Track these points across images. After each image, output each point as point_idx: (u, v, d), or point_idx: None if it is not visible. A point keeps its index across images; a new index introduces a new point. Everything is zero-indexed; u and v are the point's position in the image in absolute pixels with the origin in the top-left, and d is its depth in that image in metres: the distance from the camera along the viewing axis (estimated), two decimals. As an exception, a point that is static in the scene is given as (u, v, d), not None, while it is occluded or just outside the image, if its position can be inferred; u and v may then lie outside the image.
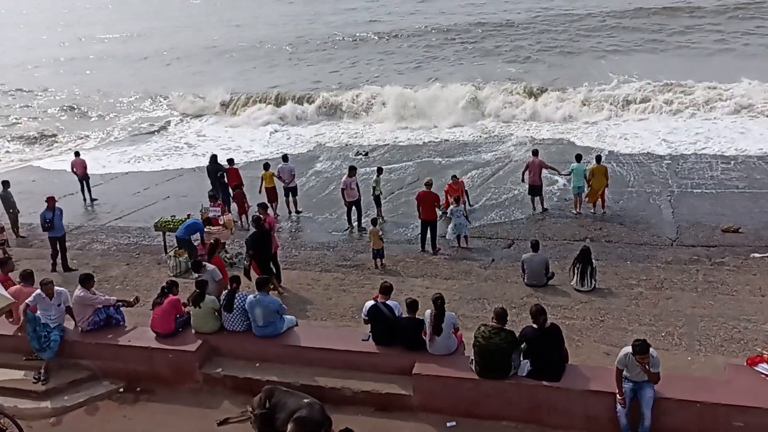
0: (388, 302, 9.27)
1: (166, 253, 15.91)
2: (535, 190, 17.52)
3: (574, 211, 17.27)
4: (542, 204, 17.62)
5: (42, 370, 9.91)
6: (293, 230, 18.11)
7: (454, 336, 8.90)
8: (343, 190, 16.81)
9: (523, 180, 17.77)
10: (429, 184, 15.69)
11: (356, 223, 17.28)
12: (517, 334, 8.27)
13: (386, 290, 9.47)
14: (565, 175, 17.71)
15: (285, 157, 19.37)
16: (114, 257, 16.21)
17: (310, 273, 14.34)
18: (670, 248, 14.59)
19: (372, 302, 9.32)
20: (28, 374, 10.00)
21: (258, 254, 12.62)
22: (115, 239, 17.78)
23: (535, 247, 12.75)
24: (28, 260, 15.34)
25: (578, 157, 17.60)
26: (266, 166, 18.80)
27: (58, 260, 15.08)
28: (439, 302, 8.76)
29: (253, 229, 13.06)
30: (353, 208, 17.15)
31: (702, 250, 14.22)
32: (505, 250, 15.39)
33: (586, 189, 16.99)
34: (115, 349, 10.01)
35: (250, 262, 12.62)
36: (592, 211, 17.08)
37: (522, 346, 8.20)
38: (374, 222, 14.87)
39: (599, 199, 17.02)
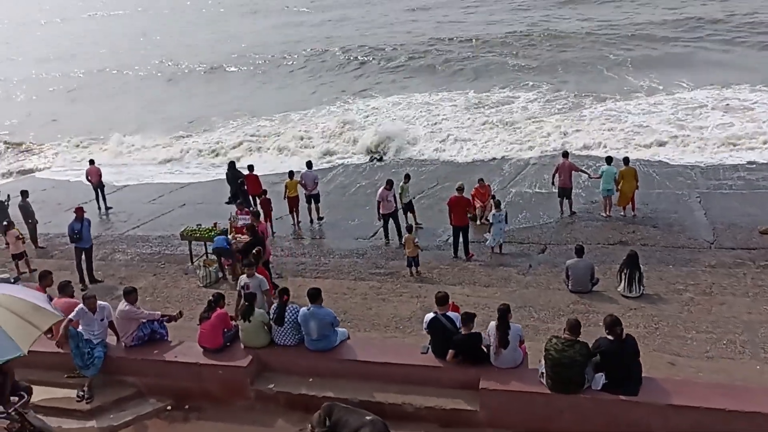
0: (449, 314, 8.96)
1: (193, 263, 15.59)
2: (565, 192, 17.25)
3: (604, 214, 16.98)
4: (570, 207, 17.35)
5: (85, 388, 9.58)
6: (318, 237, 17.81)
7: (520, 348, 8.60)
8: (379, 202, 16.12)
9: (553, 183, 17.51)
10: (461, 189, 15.38)
11: (397, 235, 16.45)
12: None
13: (443, 300, 9.15)
14: (595, 177, 17.44)
15: (309, 164, 18.97)
16: (139, 267, 15.86)
17: (344, 281, 14.04)
18: (710, 251, 14.33)
19: (432, 314, 9.02)
20: (70, 393, 9.66)
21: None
22: (137, 249, 17.40)
23: (579, 252, 12.48)
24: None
25: (608, 160, 17.32)
26: (291, 174, 18.47)
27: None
28: (504, 313, 8.47)
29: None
30: (390, 220, 16.41)
31: (743, 252, 13.96)
32: (540, 255, 15.08)
33: (615, 192, 16.75)
34: (161, 365, 9.66)
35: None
36: (622, 213, 16.82)
37: (595, 358, 7.91)
38: (409, 229, 14.56)
39: (630, 203, 16.77)
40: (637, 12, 45.65)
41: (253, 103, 35.68)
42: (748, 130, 22.25)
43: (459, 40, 43.09)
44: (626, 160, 17.18)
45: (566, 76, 32.99)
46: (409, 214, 17.12)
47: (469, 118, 27.63)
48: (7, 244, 16.01)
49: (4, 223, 16.06)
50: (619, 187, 16.63)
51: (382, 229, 16.76)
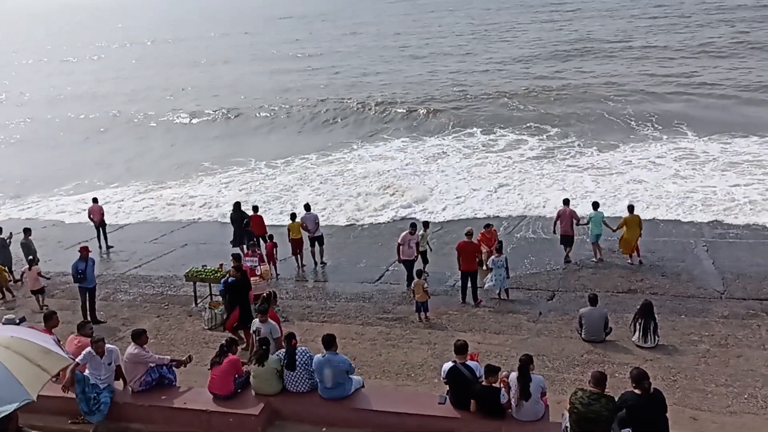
0: (468, 363, 8.77)
1: (197, 304, 15.35)
2: (568, 240, 17.24)
3: (594, 260, 17.06)
4: (568, 255, 17.27)
5: (90, 435, 9.27)
6: (323, 280, 17.63)
7: (542, 400, 8.40)
8: (400, 245, 15.83)
9: (554, 231, 17.48)
10: (469, 234, 15.33)
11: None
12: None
13: (462, 349, 8.96)
14: (583, 224, 17.43)
15: (307, 207, 18.75)
16: (142, 308, 15.62)
17: (352, 326, 13.86)
18: (721, 301, 14.23)
19: (451, 363, 8.82)
20: (74, 439, 9.34)
21: (239, 302, 12.55)
22: (139, 289, 17.17)
23: (593, 301, 12.34)
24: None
25: (595, 205, 17.44)
26: (293, 216, 18.38)
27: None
28: (526, 364, 8.29)
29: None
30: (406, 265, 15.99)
31: (755, 303, 13.85)
32: (549, 302, 14.94)
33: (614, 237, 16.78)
34: (169, 411, 9.39)
35: (230, 311, 12.53)
36: (629, 261, 16.75)
37: (621, 413, 7.70)
38: (419, 274, 14.39)
39: (635, 250, 16.74)
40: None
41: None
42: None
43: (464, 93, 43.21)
44: (631, 208, 17.17)
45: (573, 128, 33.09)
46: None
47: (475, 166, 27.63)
48: (19, 280, 16.83)
49: (29, 258, 16.62)
50: (623, 235, 16.67)
51: (406, 277, 16.14)
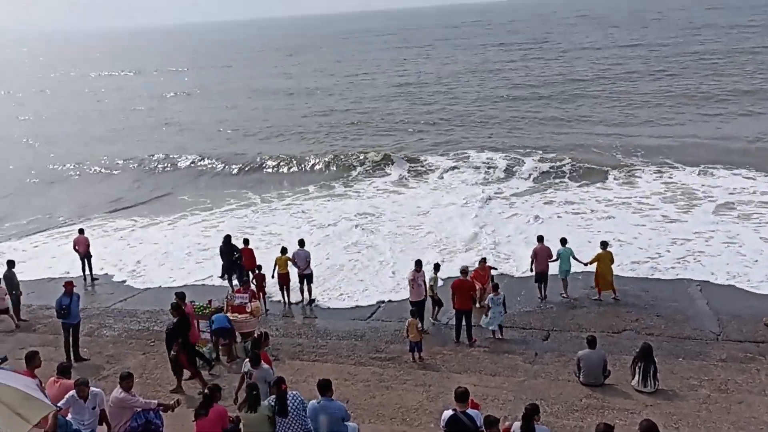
0: (468, 411, 8.48)
1: (184, 341, 14.91)
2: (543, 277, 17.16)
3: (564, 296, 17.03)
4: (544, 291, 17.18)
5: (71, 485, 8.82)
6: (313, 316, 17.28)
7: (546, 452, 8.13)
8: (411, 281, 15.26)
9: (531, 269, 17.34)
10: (464, 272, 15.10)
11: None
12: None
13: (463, 397, 8.67)
14: (552, 261, 17.28)
15: (301, 242, 18.36)
16: (127, 344, 15.20)
17: (344, 366, 13.55)
18: (717, 343, 14.07)
19: (451, 411, 8.53)
20: (54, 489, 8.86)
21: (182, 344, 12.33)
22: (124, 324, 16.73)
23: (591, 343, 12.12)
24: (33, 347, 14.14)
25: (563, 241, 17.35)
26: (283, 251, 17.98)
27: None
28: (531, 414, 8.03)
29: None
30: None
31: (752, 346, 13.70)
32: (545, 342, 14.71)
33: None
34: (155, 460, 8.97)
35: (177, 353, 12.26)
36: (613, 297, 16.68)
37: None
38: (413, 314, 14.09)
39: (611, 287, 16.77)
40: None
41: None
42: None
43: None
44: (604, 244, 17.06)
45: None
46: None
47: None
48: None
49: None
50: (597, 270, 16.69)
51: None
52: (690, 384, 11.92)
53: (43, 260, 23.31)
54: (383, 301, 17.67)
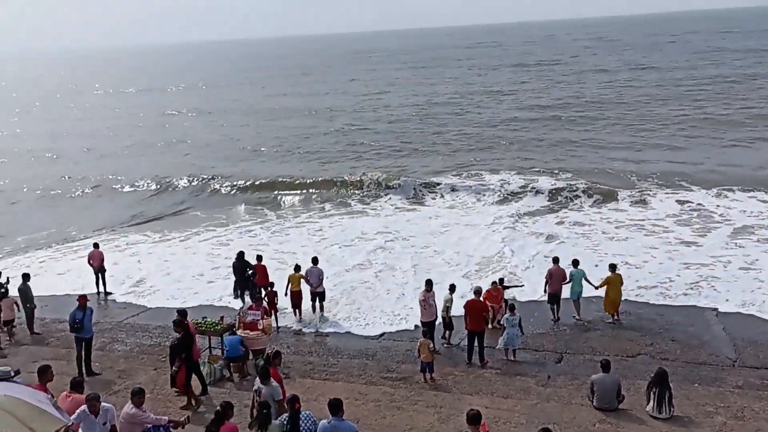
0: (480, 435, 8.40)
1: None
2: (556, 299, 17.06)
3: (577, 317, 16.89)
4: (557, 313, 17.06)
5: (81, 501, 8.80)
6: (324, 334, 17.22)
7: (558, 477, 8.01)
8: (422, 301, 15.23)
9: (545, 290, 17.24)
10: (478, 292, 15.06)
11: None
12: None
13: (475, 420, 8.59)
14: (565, 283, 17.17)
15: (314, 260, 18.38)
16: (138, 359, 15.20)
17: (355, 385, 13.45)
18: (734, 369, 13.90)
19: (463, 434, 8.45)
20: (63, 505, 8.83)
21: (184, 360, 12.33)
22: (136, 339, 16.76)
23: (605, 367, 11.96)
24: (45, 361, 14.21)
25: (575, 263, 17.28)
26: (297, 268, 17.97)
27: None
28: (543, 438, 7.94)
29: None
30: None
31: (768, 372, 13.52)
32: (558, 365, 14.56)
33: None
34: (165, 477, 8.93)
35: (179, 368, 12.27)
36: (616, 318, 16.62)
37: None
38: (425, 334, 14.03)
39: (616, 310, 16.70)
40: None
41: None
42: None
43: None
44: (612, 267, 16.98)
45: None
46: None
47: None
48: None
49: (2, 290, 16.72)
50: (608, 293, 16.61)
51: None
52: (706, 411, 11.72)
53: (56, 274, 23.41)
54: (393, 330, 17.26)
